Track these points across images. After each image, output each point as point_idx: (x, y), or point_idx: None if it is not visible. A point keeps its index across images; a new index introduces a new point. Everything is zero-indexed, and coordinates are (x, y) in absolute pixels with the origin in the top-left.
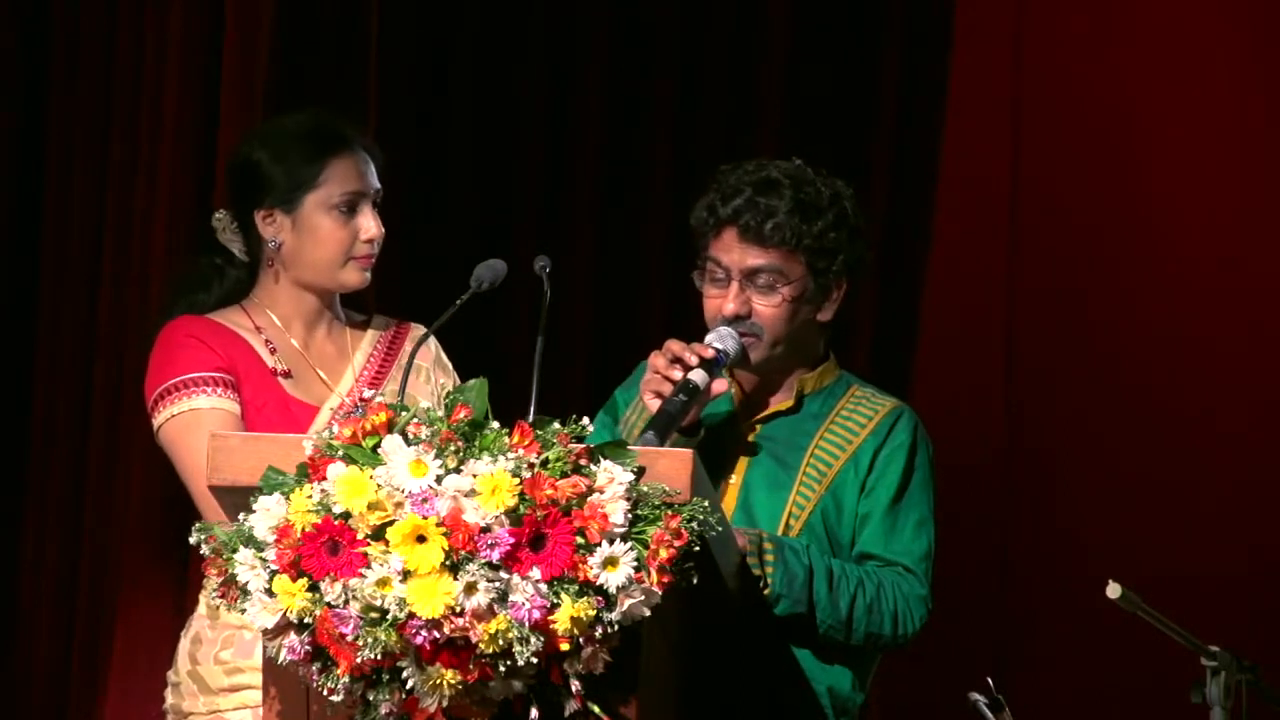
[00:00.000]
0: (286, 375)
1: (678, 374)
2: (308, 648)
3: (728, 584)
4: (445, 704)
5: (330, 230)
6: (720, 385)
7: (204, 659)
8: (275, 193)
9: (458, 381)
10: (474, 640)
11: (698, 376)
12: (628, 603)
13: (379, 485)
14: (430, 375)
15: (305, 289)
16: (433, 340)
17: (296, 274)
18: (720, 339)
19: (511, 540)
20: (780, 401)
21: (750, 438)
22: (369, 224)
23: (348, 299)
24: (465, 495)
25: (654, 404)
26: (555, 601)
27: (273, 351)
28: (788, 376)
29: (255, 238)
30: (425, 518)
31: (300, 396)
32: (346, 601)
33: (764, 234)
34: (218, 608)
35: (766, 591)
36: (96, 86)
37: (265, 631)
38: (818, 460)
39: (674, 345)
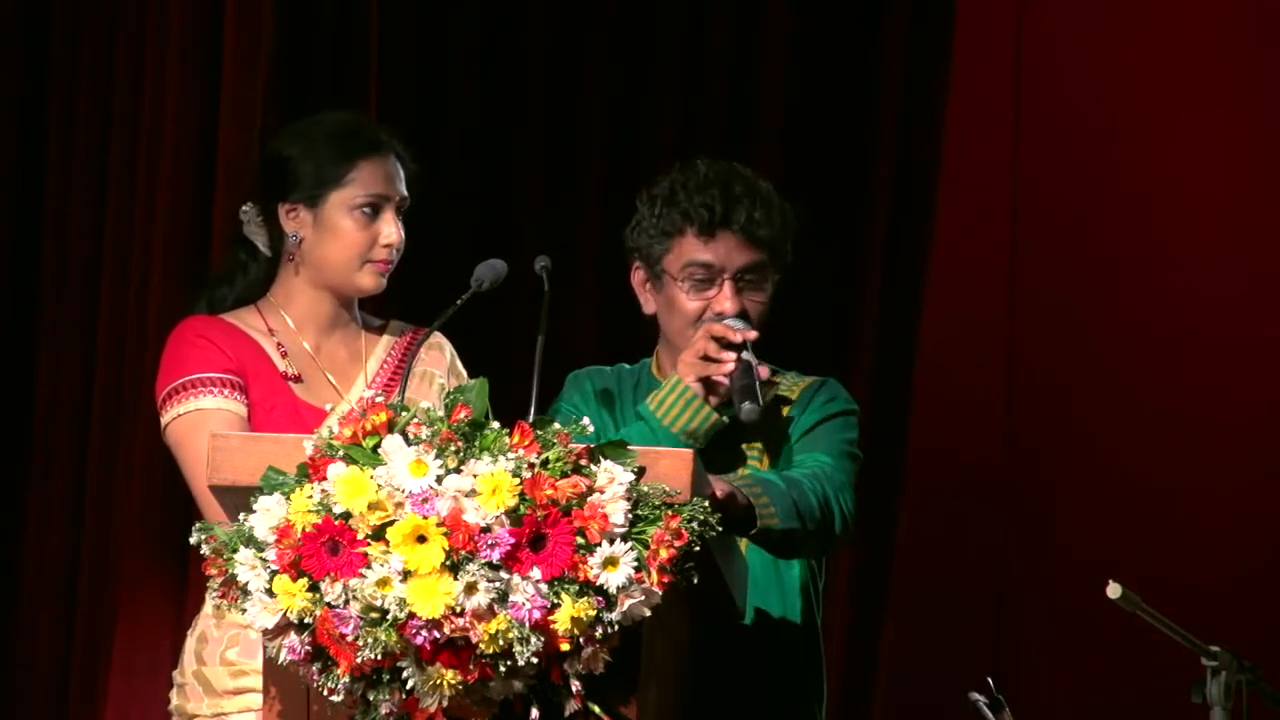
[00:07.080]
0: (297, 379)
1: (730, 355)
2: (308, 648)
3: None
4: (445, 704)
5: (350, 230)
6: (764, 370)
7: (210, 659)
8: (301, 187)
9: None
10: (474, 640)
11: (749, 355)
12: (628, 603)
13: (379, 485)
14: (444, 384)
15: (321, 289)
16: (449, 348)
17: (314, 272)
18: (745, 328)
19: (512, 540)
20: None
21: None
22: (390, 229)
23: (365, 303)
24: (465, 495)
25: (696, 386)
26: (555, 601)
27: (284, 355)
28: None
29: (278, 232)
30: (425, 518)
31: (310, 401)
32: (347, 601)
33: (756, 232)
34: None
35: (774, 523)
36: (96, 87)
37: (265, 632)
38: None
39: (716, 328)
